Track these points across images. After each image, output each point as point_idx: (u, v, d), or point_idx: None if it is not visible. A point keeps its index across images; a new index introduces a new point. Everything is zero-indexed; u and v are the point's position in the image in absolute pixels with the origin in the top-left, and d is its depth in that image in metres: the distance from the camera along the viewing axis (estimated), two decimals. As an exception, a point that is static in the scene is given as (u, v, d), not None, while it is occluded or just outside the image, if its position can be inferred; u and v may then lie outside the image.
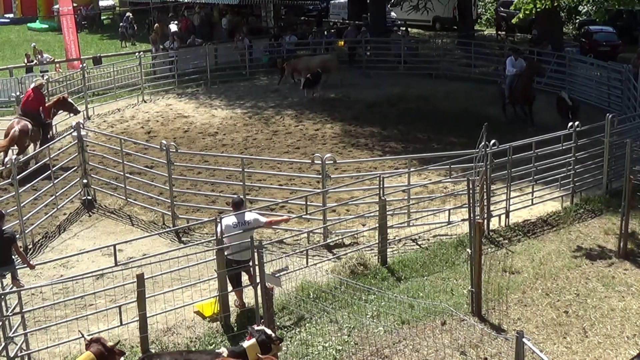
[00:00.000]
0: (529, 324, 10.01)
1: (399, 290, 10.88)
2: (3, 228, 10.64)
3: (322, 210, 12.85)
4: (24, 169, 14.57)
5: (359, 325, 9.89)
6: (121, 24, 35.50)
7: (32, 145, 17.12)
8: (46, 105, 17.81)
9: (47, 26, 39.04)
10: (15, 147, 16.48)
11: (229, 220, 10.36)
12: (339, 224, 13.15)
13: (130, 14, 35.68)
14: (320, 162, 12.84)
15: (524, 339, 7.29)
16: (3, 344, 8.87)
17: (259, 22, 34.81)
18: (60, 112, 18.89)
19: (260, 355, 7.54)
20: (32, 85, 17.91)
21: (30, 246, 12.87)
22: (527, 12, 20.49)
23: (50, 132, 18.00)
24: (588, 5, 31.58)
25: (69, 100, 18.96)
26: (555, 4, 21.78)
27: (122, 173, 14.47)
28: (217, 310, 10.27)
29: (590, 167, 14.50)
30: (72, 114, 19.11)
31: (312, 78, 23.25)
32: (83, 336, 7.76)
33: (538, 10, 20.49)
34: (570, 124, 13.92)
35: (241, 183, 13.67)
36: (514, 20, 22.04)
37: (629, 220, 12.05)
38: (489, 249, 12.22)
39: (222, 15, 34.34)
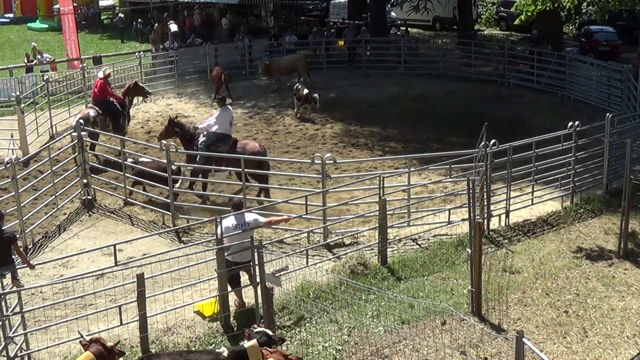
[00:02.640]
0: (529, 324, 10.01)
1: (399, 290, 10.88)
2: (3, 228, 10.63)
3: (322, 210, 12.85)
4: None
5: (359, 325, 9.89)
6: (115, 20, 35.76)
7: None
8: (119, 94, 18.71)
9: (47, 26, 39.02)
10: None
11: (229, 221, 10.35)
12: (339, 224, 13.15)
13: (122, 14, 35.95)
14: (320, 162, 12.84)
15: (524, 339, 7.30)
16: (3, 344, 8.87)
17: (259, 22, 34.80)
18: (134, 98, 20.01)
19: (268, 350, 7.54)
20: (101, 75, 18.59)
21: (30, 246, 12.87)
22: (529, 13, 20.48)
23: (125, 121, 18.63)
24: (589, 6, 31.65)
25: (140, 84, 19.82)
26: (556, 4, 21.79)
27: (122, 173, 14.47)
28: (217, 310, 10.27)
29: (590, 167, 14.50)
30: (145, 99, 19.45)
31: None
32: (82, 336, 7.75)
33: (539, 11, 20.47)
34: (570, 123, 13.92)
35: (241, 183, 13.66)
36: (516, 22, 22.03)
37: (629, 220, 12.05)
38: (489, 249, 12.22)
39: (222, 15, 34.34)
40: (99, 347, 7.46)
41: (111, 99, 18.24)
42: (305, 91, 21.17)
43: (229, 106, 15.92)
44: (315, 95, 21.09)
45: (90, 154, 14.95)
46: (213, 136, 14.85)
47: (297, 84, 21.94)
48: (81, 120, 15.96)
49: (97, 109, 17.74)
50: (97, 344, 7.51)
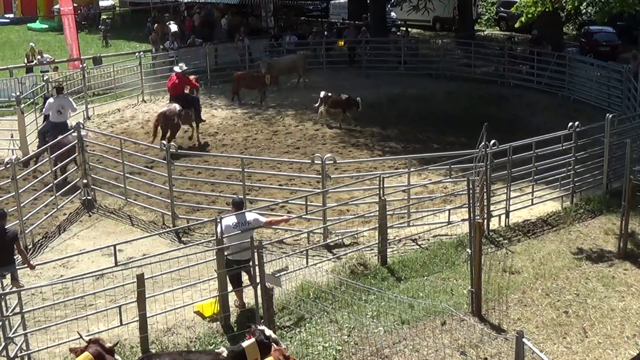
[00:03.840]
0: (529, 324, 10.01)
1: (399, 290, 10.88)
2: (5, 227, 10.63)
3: (322, 210, 12.85)
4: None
5: (359, 325, 9.88)
6: (100, 26, 35.77)
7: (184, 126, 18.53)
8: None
9: (47, 26, 39.02)
10: (167, 128, 17.87)
11: (229, 220, 10.36)
12: (339, 224, 13.15)
13: (106, 17, 36.19)
14: (320, 162, 12.84)
15: (524, 339, 7.30)
16: (3, 344, 8.87)
17: (259, 22, 34.80)
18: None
19: (275, 346, 7.54)
20: (177, 70, 19.13)
21: (30, 246, 12.86)
22: (529, 15, 20.48)
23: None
24: (589, 7, 31.55)
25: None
26: (557, 5, 21.78)
27: (122, 173, 14.47)
28: (217, 310, 10.26)
29: (590, 167, 14.50)
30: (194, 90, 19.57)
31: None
32: (81, 337, 7.75)
33: (539, 13, 20.46)
34: (570, 124, 13.92)
35: (241, 183, 13.67)
36: (517, 25, 22.03)
37: (629, 220, 12.05)
38: (489, 249, 12.22)
39: (222, 16, 34.34)
40: (98, 348, 7.45)
41: (186, 91, 18.94)
42: (345, 95, 20.36)
43: (66, 96, 17.20)
44: (358, 98, 20.27)
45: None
46: (47, 124, 16.17)
47: (325, 92, 20.59)
48: (164, 113, 17.69)
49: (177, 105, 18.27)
50: (96, 344, 7.51)
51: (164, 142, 13.97)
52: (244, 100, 22.84)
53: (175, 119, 18.04)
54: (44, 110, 17.47)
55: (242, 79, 23.15)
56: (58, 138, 15.01)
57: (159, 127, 17.97)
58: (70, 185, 14.61)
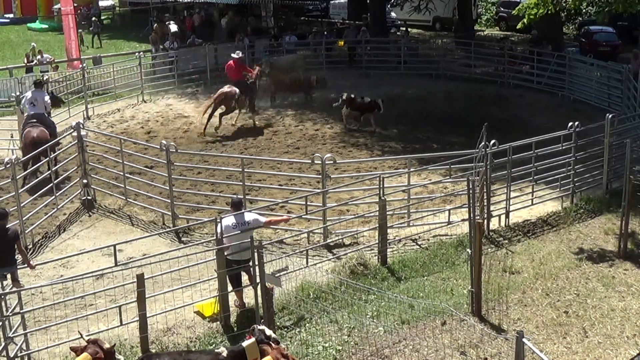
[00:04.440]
0: (529, 324, 10.01)
1: (399, 290, 10.88)
2: (6, 227, 10.63)
3: (322, 210, 12.85)
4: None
5: (359, 325, 9.88)
6: (90, 27, 35.80)
7: (236, 111, 19.90)
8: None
9: (47, 26, 39.01)
10: (223, 107, 19.42)
11: (229, 220, 10.36)
12: (339, 224, 13.15)
13: (96, 18, 36.09)
14: (320, 162, 12.84)
15: (524, 339, 7.30)
16: (3, 344, 8.87)
17: (259, 22, 34.78)
18: None
19: (271, 346, 7.54)
20: (235, 56, 20.37)
21: (30, 246, 12.86)
22: (531, 17, 20.47)
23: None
24: (589, 7, 31.58)
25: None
26: (558, 7, 21.76)
27: (122, 173, 14.47)
28: (217, 310, 10.26)
29: (590, 167, 14.50)
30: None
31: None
32: (82, 336, 7.75)
33: (541, 14, 20.45)
34: (570, 124, 13.92)
35: (241, 183, 13.67)
36: (519, 26, 22.03)
37: (629, 220, 12.05)
38: (489, 249, 12.22)
39: (222, 15, 34.32)
40: (96, 349, 7.45)
41: (249, 76, 20.33)
42: (368, 99, 19.93)
43: (42, 91, 17.31)
44: (379, 100, 19.87)
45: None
46: (26, 118, 16.42)
47: (346, 93, 20.20)
48: (227, 92, 19.20)
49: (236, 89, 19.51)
50: (95, 345, 7.51)
51: (163, 141, 13.94)
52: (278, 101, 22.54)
53: (233, 101, 19.52)
54: (20, 105, 17.57)
55: (281, 83, 22.42)
56: (26, 130, 15.64)
57: (216, 104, 19.32)
58: (39, 178, 14.48)
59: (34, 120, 16.16)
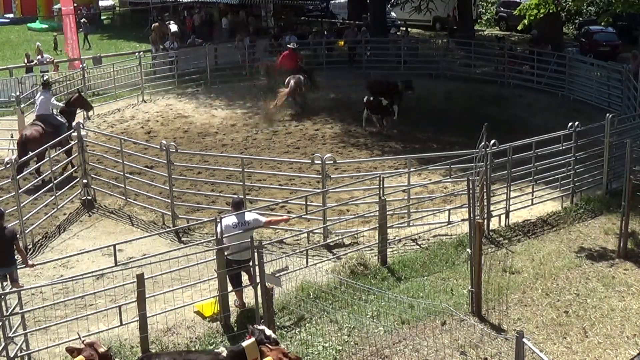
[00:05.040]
0: (529, 324, 10.01)
1: (399, 290, 10.88)
2: (4, 227, 10.62)
3: (322, 210, 12.85)
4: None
5: (359, 325, 9.89)
6: (80, 29, 35.80)
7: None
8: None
9: (47, 26, 38.99)
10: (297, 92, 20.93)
11: (229, 220, 10.36)
12: (339, 224, 13.15)
13: (85, 19, 36.03)
14: (320, 162, 12.84)
15: (524, 339, 7.29)
16: (3, 344, 8.87)
17: (259, 22, 34.77)
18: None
19: (269, 347, 7.54)
20: (290, 47, 23.40)
21: (30, 246, 12.87)
22: (532, 17, 20.46)
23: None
24: (591, 7, 31.54)
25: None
26: (559, 8, 21.74)
27: (122, 173, 14.47)
28: (217, 310, 10.26)
29: (590, 167, 14.50)
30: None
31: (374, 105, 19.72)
32: (79, 337, 7.74)
33: (542, 15, 20.44)
34: (570, 124, 13.92)
35: (241, 183, 13.67)
36: (519, 27, 22.02)
37: (629, 220, 12.05)
38: (489, 249, 12.22)
39: (222, 16, 34.32)
40: (92, 352, 7.44)
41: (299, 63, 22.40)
42: (385, 102, 19.53)
43: (49, 91, 17.45)
44: (395, 105, 19.49)
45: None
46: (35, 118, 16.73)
47: (367, 96, 19.84)
48: (292, 82, 20.81)
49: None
50: (91, 348, 7.49)
51: (163, 141, 13.95)
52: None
53: (302, 87, 21.32)
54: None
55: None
56: (25, 132, 15.95)
57: (292, 93, 20.84)
58: (39, 178, 14.69)
59: (36, 121, 16.25)
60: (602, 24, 22.68)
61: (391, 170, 15.47)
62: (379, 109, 19.69)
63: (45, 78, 19.30)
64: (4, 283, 9.52)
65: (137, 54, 24.79)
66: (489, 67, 26.41)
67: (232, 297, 10.51)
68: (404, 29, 33.55)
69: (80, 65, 23.38)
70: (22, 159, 14.54)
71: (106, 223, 14.01)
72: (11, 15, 43.47)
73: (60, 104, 17.45)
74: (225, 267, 10.08)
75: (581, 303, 10.55)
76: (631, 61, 21.58)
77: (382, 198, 12.09)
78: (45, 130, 16.05)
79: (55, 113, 16.91)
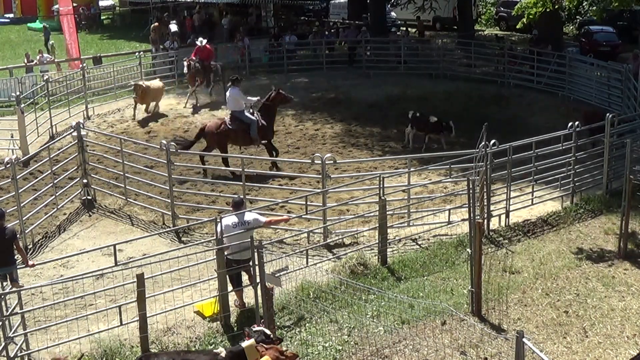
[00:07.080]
0: (529, 324, 10.01)
1: (399, 290, 10.88)
2: (4, 226, 10.62)
3: (322, 210, 12.85)
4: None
5: (359, 325, 9.88)
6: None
7: None
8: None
9: (47, 26, 38.95)
10: None
11: (229, 220, 10.36)
12: (339, 224, 13.15)
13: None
14: (320, 162, 12.84)
15: (524, 339, 7.29)
16: (3, 344, 8.87)
17: (259, 22, 34.78)
18: None
19: (264, 346, 7.55)
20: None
21: (30, 246, 12.87)
22: (531, 16, 20.46)
23: None
24: (590, 6, 31.52)
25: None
26: (557, 6, 21.75)
27: (122, 173, 14.47)
28: (217, 310, 10.26)
29: (590, 167, 14.50)
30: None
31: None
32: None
33: (541, 13, 20.45)
34: (570, 123, 13.92)
35: (241, 183, 13.67)
36: (518, 26, 22.03)
37: (629, 220, 12.05)
38: (489, 249, 12.22)
39: (222, 16, 34.32)
40: None
41: None
42: (434, 119, 17.99)
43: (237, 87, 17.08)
44: (451, 122, 17.86)
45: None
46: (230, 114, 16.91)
47: (413, 111, 18.39)
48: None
49: None
50: None
51: (163, 141, 13.95)
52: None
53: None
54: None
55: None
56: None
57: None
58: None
59: (228, 116, 16.74)
60: (595, 17, 22.63)
61: (391, 170, 15.47)
62: (429, 126, 18.13)
63: (234, 76, 17.81)
64: (4, 283, 9.52)
65: (137, 53, 24.80)
66: (489, 67, 26.42)
67: (232, 297, 10.51)
68: (404, 28, 33.56)
69: (80, 65, 23.37)
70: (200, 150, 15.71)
71: (106, 223, 14.01)
72: (11, 15, 43.48)
73: (254, 99, 17.01)
74: (226, 267, 10.08)
75: (581, 303, 10.55)
76: (631, 61, 21.58)
77: (382, 198, 12.08)
78: (230, 126, 16.26)
79: (249, 110, 16.62)
